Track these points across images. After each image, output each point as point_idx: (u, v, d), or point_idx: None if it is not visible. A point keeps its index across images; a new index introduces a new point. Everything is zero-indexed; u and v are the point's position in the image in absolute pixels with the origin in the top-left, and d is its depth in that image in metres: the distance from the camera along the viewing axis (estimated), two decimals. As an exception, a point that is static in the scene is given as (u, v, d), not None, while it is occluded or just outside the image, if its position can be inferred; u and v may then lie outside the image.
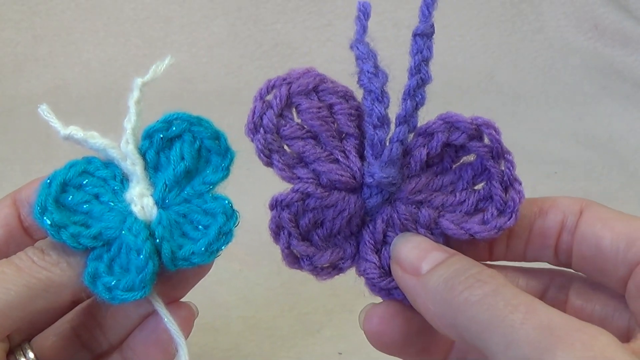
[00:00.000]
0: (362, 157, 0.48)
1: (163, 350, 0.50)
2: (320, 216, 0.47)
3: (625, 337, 0.44)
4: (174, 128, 0.49)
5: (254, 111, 0.47)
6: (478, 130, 0.47)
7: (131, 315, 0.51)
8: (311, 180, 0.46)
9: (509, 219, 0.46)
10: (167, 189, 0.49)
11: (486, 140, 0.47)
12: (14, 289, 0.44)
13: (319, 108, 0.47)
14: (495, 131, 0.46)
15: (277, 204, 0.46)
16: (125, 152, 0.49)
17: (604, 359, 0.34)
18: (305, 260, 0.47)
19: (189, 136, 0.50)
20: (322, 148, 0.47)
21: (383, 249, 0.48)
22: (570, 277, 0.48)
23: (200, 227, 0.49)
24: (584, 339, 0.35)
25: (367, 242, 0.48)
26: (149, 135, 0.49)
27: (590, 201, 0.46)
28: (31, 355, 0.51)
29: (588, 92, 1.18)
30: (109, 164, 0.50)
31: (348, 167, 0.47)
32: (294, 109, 0.48)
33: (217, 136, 0.50)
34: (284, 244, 0.47)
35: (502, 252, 0.49)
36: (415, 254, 0.45)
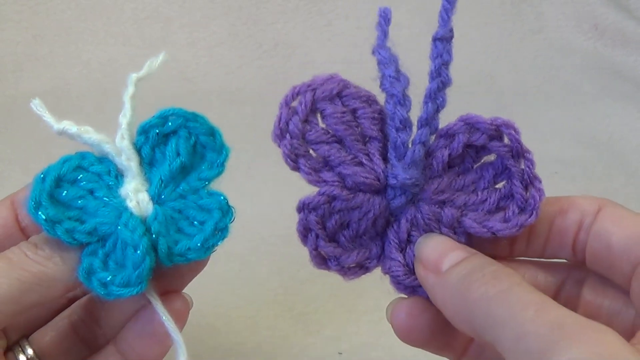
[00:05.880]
0: (385, 160, 0.49)
1: (158, 342, 0.50)
2: (346, 218, 0.48)
3: (630, 332, 0.45)
4: (170, 124, 0.50)
5: (280, 118, 0.47)
6: (498, 130, 0.48)
7: (127, 310, 0.51)
8: (337, 183, 0.47)
9: (530, 217, 0.47)
10: (162, 185, 0.49)
11: (506, 140, 0.48)
12: (6, 282, 0.44)
13: (343, 113, 0.48)
14: (514, 131, 0.47)
15: (304, 207, 0.47)
16: (121, 147, 0.49)
17: (610, 356, 0.35)
18: (332, 260, 0.48)
19: (185, 132, 0.50)
20: (346, 152, 0.48)
21: (407, 248, 0.49)
22: (587, 272, 0.49)
23: (195, 222, 0.49)
24: (592, 336, 0.36)
25: (391, 242, 0.49)
26: (144, 130, 0.50)
27: (609, 201, 0.47)
28: (30, 351, 0.51)
29: (588, 92, 1.18)
30: (103, 159, 0.50)
31: (372, 169, 0.48)
32: (319, 114, 0.49)
33: (213, 132, 0.50)
34: (311, 245, 0.48)
35: (523, 249, 0.50)
36: (437, 253, 0.46)
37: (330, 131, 0.48)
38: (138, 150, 0.50)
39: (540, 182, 0.48)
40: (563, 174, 0.99)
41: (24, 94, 1.10)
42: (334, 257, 0.48)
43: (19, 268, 0.45)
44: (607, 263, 0.46)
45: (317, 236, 0.48)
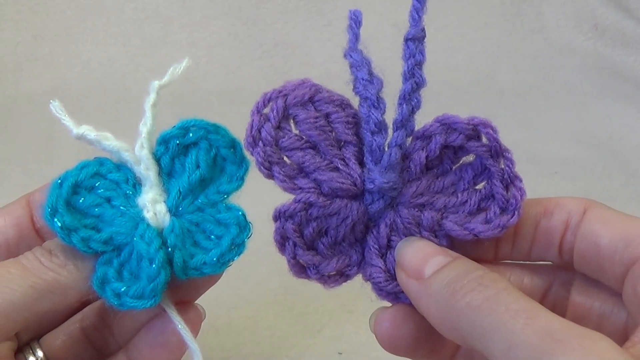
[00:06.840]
0: (361, 164, 0.48)
1: (170, 351, 0.49)
2: (324, 224, 0.47)
3: (622, 333, 0.44)
4: (191, 135, 0.48)
5: (252, 125, 0.47)
6: (475, 130, 0.47)
7: (140, 318, 0.51)
8: (313, 189, 0.47)
9: (512, 217, 0.46)
10: (180, 197, 0.48)
11: (484, 140, 0.47)
12: (19, 290, 0.43)
13: (316, 118, 0.47)
14: (492, 130, 0.46)
15: (280, 215, 0.46)
16: (140, 156, 0.48)
17: None
18: (312, 269, 0.48)
19: (205, 144, 0.49)
20: (321, 157, 0.47)
21: (388, 253, 0.48)
22: (573, 274, 0.48)
23: (212, 237, 0.48)
24: (584, 343, 0.35)
25: (371, 248, 0.48)
26: (164, 140, 0.48)
27: (595, 201, 0.47)
28: (40, 353, 0.51)
29: (588, 92, 1.18)
30: (121, 166, 0.49)
31: (348, 174, 0.47)
32: (292, 120, 0.48)
33: (233, 145, 0.49)
34: (289, 254, 0.47)
35: (508, 251, 0.49)
36: (418, 258, 0.45)
37: (304, 137, 0.47)
38: (157, 160, 0.49)
39: (521, 181, 0.47)
40: (563, 174, 0.99)
41: (24, 94, 1.10)
42: (313, 265, 0.48)
43: (32, 275, 0.44)
44: (596, 264, 0.45)
45: (294, 244, 0.47)
